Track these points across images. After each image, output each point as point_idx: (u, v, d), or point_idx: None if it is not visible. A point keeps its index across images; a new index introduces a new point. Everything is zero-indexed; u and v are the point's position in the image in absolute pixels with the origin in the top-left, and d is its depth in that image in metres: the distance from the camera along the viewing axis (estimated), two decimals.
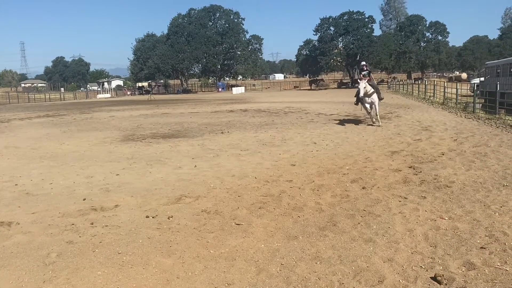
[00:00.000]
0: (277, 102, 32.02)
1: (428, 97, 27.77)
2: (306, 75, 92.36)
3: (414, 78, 67.84)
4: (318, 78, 78.18)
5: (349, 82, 69.38)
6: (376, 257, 3.82)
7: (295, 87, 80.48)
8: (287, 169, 7.66)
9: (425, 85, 31.87)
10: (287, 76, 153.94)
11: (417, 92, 33.45)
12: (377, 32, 77.72)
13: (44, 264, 3.85)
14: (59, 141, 12.87)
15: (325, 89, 64.49)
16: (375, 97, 13.89)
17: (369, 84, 14.02)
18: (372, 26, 72.93)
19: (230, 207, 5.46)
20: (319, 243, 4.20)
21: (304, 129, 13.70)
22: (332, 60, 73.29)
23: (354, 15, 71.94)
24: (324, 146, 10.13)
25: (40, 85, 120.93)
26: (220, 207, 5.48)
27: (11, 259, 4.00)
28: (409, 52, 74.58)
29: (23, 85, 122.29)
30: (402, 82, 53.32)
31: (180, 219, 5.05)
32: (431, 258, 3.76)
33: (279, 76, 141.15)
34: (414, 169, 7.27)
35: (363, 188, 6.20)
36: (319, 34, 74.47)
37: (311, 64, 77.14)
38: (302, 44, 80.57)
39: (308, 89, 65.93)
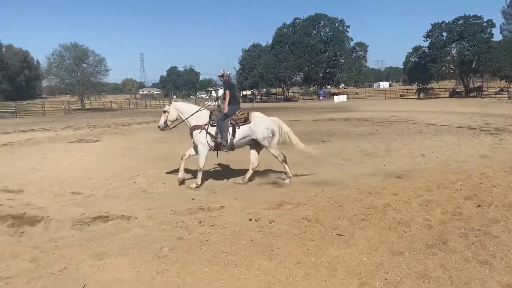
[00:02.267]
0: (381, 111, 30.87)
1: None
2: (414, 83, 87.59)
3: None
4: (427, 86, 73.65)
5: (462, 91, 64.26)
6: (493, 282, 3.49)
7: (401, 95, 76.71)
8: (392, 182, 7.35)
9: None
10: (393, 84, 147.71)
11: None
12: (497, 37, 70.57)
13: (158, 257, 4.19)
14: (171, 144, 13.87)
15: (435, 98, 60.53)
16: (197, 138, 7.72)
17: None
18: (491, 30, 66.63)
19: (331, 217, 5.40)
20: (427, 261, 3.96)
21: (411, 140, 13.00)
22: (443, 68, 68.57)
23: (470, 20, 66.44)
24: (434, 159, 9.50)
25: (155, 92, 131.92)
26: (320, 216, 5.45)
27: (130, 250, 4.42)
28: None
29: (141, 92, 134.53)
30: None
31: (281, 224, 5.13)
32: None
33: (384, 84, 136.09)
34: None
35: (479, 206, 5.69)
36: (429, 40, 70.16)
37: (420, 72, 72.91)
38: (410, 50, 76.72)
39: (416, 98, 62.44)
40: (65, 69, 63.57)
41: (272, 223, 5.19)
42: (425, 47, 72.62)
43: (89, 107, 60.47)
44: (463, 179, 7.32)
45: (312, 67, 74.44)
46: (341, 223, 5.12)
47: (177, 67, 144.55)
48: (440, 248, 4.25)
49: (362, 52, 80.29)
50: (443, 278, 3.60)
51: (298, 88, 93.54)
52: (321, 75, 78.10)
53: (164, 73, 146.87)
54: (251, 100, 62.75)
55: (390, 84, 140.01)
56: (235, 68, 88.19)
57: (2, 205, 6.40)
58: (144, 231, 5.00)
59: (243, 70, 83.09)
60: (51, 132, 20.72)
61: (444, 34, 68.57)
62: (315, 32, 77.20)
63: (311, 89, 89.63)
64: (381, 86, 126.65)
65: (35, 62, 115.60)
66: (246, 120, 7.73)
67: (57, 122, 29.55)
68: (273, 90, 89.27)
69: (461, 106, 32.16)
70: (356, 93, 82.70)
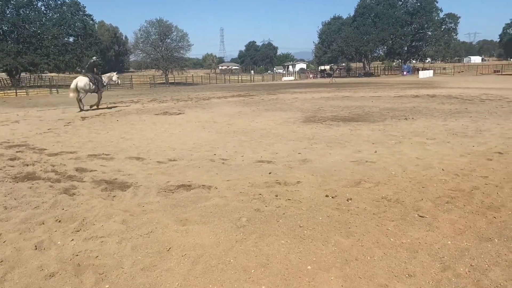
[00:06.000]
0: (471, 88, 28.65)
1: None
2: (510, 58, 79.79)
3: None
4: None
5: None
6: None
7: (495, 71, 70.41)
8: (481, 164, 6.84)
9: None
10: (486, 58, 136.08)
11: None
12: None
13: (237, 226, 4.34)
14: (249, 118, 14.13)
15: None
16: None
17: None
18: None
19: (412, 198, 5.19)
20: None
21: (505, 120, 11.96)
22: None
23: None
24: None
25: (234, 67, 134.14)
26: (401, 196, 5.25)
27: (210, 218, 4.62)
28: None
29: (220, 67, 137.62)
30: None
31: (359, 202, 5.04)
32: None
33: (476, 59, 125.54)
34: None
35: None
36: None
37: None
38: (508, 21, 69.79)
39: None
40: (150, 44, 66.93)
41: (349, 201, 5.11)
42: None
43: (173, 81, 63.18)
44: None
45: (396, 41, 70.76)
46: (423, 205, 4.90)
47: (255, 42, 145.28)
48: None
49: (453, 24, 74.64)
50: None
51: (380, 62, 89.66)
52: (405, 48, 74.04)
53: (243, 48, 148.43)
54: (329, 75, 61.26)
55: (482, 59, 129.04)
56: (314, 42, 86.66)
57: (96, 170, 7.00)
58: (224, 201, 5.19)
59: (322, 44, 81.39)
60: (138, 104, 22.06)
61: None
62: (400, 2, 72.94)
63: (394, 63, 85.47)
64: (472, 61, 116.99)
65: (123, 38, 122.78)
66: None
67: (143, 95, 31.37)
68: (353, 65, 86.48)
69: None
70: (444, 68, 77.28)
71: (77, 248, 3.90)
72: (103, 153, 8.50)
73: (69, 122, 14.27)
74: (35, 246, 3.96)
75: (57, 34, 52.96)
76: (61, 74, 62.84)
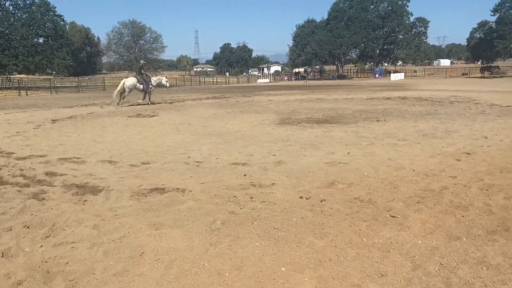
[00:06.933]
0: (441, 90, 29.44)
1: None
2: (477, 61, 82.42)
3: None
4: (492, 64, 69.14)
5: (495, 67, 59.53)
6: None
7: (463, 74, 72.58)
8: (450, 164, 7.04)
9: None
10: (455, 62, 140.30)
11: None
12: None
13: (211, 230, 4.31)
14: (224, 121, 14.10)
15: (500, 77, 56.67)
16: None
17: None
18: None
19: (384, 198, 5.28)
20: (486, 247, 3.78)
21: (472, 121, 12.34)
22: None
23: None
24: (497, 142, 8.97)
25: (209, 69, 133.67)
26: (373, 197, 5.34)
27: (185, 221, 4.58)
28: None
29: (195, 69, 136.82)
30: None
31: (332, 203, 5.09)
32: None
33: (445, 62, 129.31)
34: None
35: None
36: (498, 14, 65.46)
37: (485, 49, 68.64)
38: (475, 26, 72.16)
39: (479, 77, 58.80)
40: (123, 45, 66.05)
41: (323, 202, 5.16)
42: (492, 22, 68.06)
43: None
44: None
45: (368, 44, 72.09)
46: (395, 205, 5.00)
47: (230, 44, 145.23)
48: (502, 235, 4.04)
49: (423, 28, 76.61)
50: (504, 266, 3.43)
51: (353, 65, 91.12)
52: (377, 52, 75.54)
53: (218, 50, 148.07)
54: (303, 78, 61.75)
55: (451, 62, 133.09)
56: (288, 45, 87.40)
57: (67, 174, 6.83)
58: (198, 204, 5.15)
59: (296, 46, 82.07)
60: (111, 106, 21.68)
61: None
62: (372, 6, 74.37)
63: (366, 66, 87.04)
64: (442, 64, 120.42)
65: (95, 39, 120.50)
66: None
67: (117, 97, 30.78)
68: (327, 67, 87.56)
69: None
70: (415, 71, 79.13)
71: (46, 255, 3.79)
72: (74, 157, 8.30)
73: (39, 125, 13.89)
74: (2, 254, 3.83)
75: (26, 35, 51.53)
76: (30, 76, 61.13)
